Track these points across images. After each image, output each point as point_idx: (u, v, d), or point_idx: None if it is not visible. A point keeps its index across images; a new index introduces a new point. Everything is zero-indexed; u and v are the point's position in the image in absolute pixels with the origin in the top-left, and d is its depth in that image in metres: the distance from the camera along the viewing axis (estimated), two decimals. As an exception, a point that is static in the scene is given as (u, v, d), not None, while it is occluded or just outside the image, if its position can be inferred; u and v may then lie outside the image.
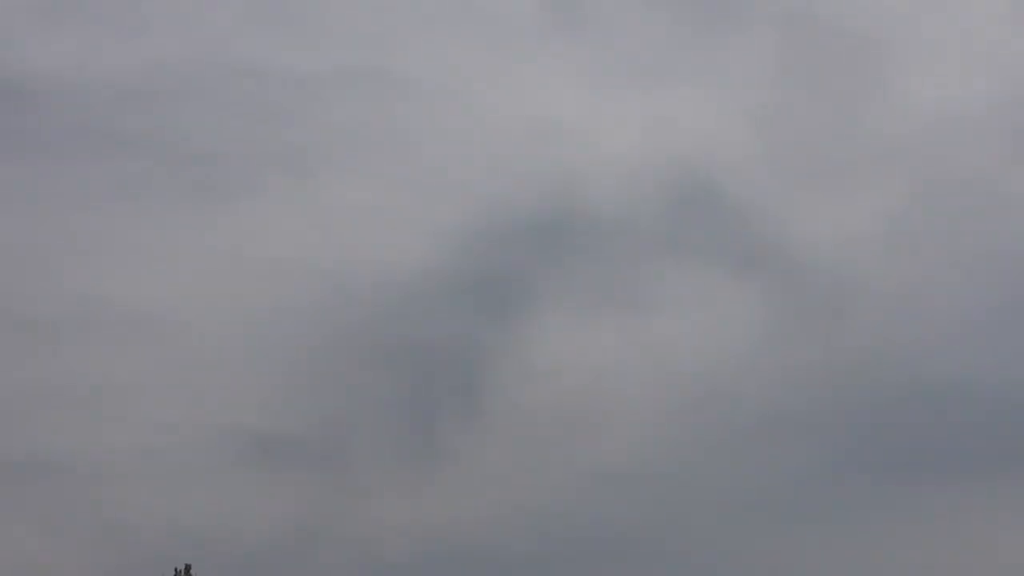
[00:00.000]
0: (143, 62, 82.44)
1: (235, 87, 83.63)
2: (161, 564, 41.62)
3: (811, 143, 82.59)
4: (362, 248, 79.86)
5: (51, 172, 79.61)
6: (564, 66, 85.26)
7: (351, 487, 69.22)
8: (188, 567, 40.14)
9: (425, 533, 65.86)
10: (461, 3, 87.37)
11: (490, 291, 78.81)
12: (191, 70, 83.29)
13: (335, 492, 68.95)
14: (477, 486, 69.20)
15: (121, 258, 77.25)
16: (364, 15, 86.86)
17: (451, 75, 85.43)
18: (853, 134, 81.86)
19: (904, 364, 72.88)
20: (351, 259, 79.08)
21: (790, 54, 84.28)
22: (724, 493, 68.81)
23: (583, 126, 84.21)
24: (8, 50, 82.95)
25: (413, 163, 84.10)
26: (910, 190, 79.76)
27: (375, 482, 69.59)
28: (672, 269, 79.44)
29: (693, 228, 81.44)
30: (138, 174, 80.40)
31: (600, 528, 66.56)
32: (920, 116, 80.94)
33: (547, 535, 66.12)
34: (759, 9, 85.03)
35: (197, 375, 72.47)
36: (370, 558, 64.55)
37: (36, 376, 70.81)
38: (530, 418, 72.82)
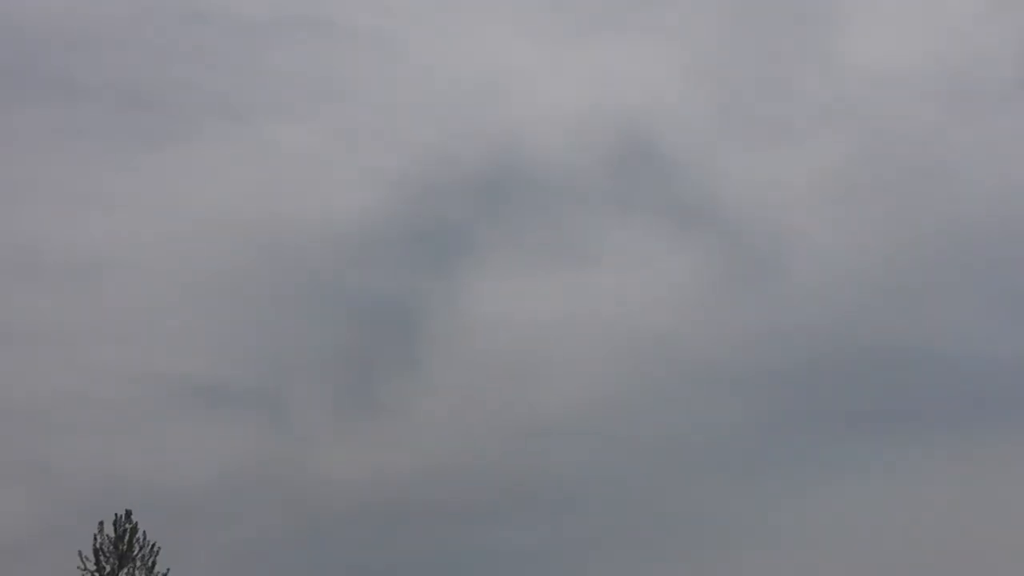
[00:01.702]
0: (82, 5, 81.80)
1: (176, 33, 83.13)
2: (99, 509, 41.67)
3: (752, 100, 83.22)
4: (303, 196, 79.82)
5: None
6: (508, 19, 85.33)
7: (290, 436, 69.27)
8: (128, 513, 40.16)
9: (363, 481, 66.11)
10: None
11: (432, 243, 79.04)
12: (131, 14, 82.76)
13: (274, 440, 69.00)
14: (415, 437, 69.43)
15: (58, 203, 76.74)
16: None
17: (395, 26, 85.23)
18: (793, 92, 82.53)
19: (838, 320, 73.86)
20: (292, 207, 79.01)
21: (733, 12, 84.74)
22: (661, 446, 69.32)
23: (525, 80, 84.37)
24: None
25: (355, 113, 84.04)
26: (847, 148, 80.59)
27: (314, 431, 69.73)
28: (612, 224, 79.87)
29: (634, 184, 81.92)
30: (76, 118, 79.81)
31: (538, 479, 67.05)
32: (858, 76, 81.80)
33: (484, 486, 66.51)
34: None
35: (136, 322, 72.27)
36: (308, 505, 64.72)
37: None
38: (469, 370, 73.19)
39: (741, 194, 79.22)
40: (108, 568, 39.79)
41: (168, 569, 40.56)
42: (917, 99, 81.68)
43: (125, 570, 39.90)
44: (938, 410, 69.23)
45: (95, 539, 39.93)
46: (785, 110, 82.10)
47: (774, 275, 76.92)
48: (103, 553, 39.86)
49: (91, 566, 39.64)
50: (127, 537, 40.20)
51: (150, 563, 40.25)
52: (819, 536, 62.84)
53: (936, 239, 76.44)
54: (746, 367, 71.98)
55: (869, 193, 79.30)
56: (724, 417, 70.80)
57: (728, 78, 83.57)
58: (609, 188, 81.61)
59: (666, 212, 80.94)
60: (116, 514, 40.28)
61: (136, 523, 40.49)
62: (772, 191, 79.02)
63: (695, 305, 75.74)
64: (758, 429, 70.29)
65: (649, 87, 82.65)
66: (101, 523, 40.12)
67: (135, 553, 40.15)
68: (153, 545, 40.43)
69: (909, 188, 78.92)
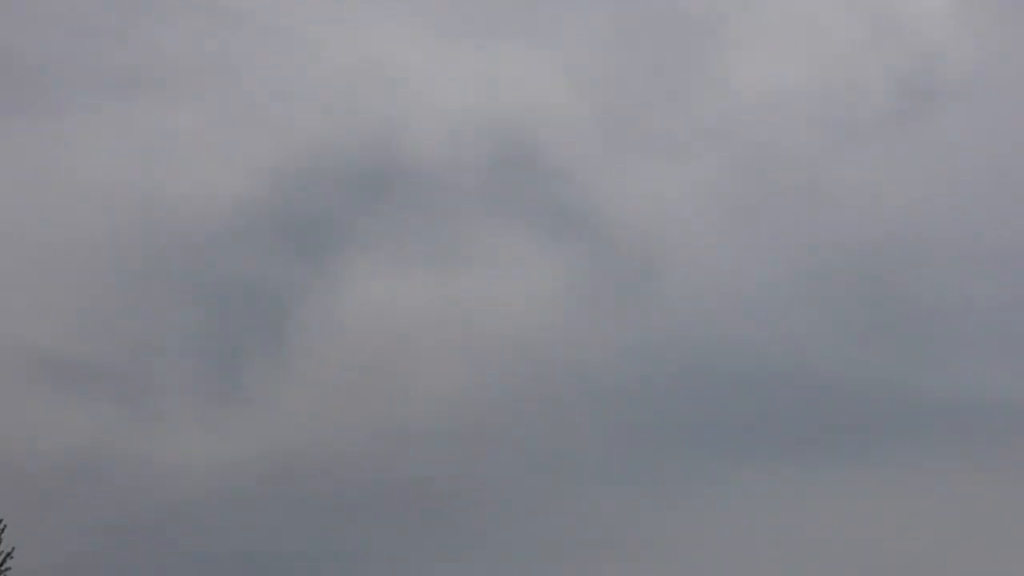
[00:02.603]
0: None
1: (65, 2, 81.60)
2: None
3: (636, 112, 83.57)
4: (179, 177, 78.52)
5: None
6: (398, 12, 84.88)
7: (148, 416, 68.25)
8: (-26, 488, 39.29)
9: (219, 469, 65.19)
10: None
11: (304, 232, 78.28)
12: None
13: (131, 421, 67.85)
14: (275, 427, 68.66)
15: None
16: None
17: (283, 11, 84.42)
18: (677, 107, 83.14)
19: (708, 336, 74.52)
20: (167, 187, 77.67)
21: (625, 25, 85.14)
22: (525, 452, 69.52)
23: (412, 74, 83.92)
24: None
25: (237, 96, 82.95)
26: (728, 165, 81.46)
27: (173, 414, 68.57)
28: (489, 227, 79.70)
29: (513, 188, 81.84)
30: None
31: (396, 481, 66.76)
32: (744, 96, 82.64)
33: (341, 483, 66.14)
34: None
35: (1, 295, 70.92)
36: (163, 489, 63.86)
37: None
38: (334, 363, 72.56)
39: (619, 205, 79.67)
40: (-52, 544, 38.79)
41: (13, 547, 39.61)
42: (798, 122, 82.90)
43: (-32, 546, 38.90)
44: (799, 428, 70.43)
45: (-64, 513, 38.92)
46: (668, 124, 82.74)
47: (647, 287, 77.43)
48: (-56, 528, 38.85)
49: (-69, 541, 38.62)
50: (-29, 512, 39.24)
51: (-6, 540, 39.30)
52: (680, 549, 63.42)
53: (808, 261, 77.69)
54: (614, 377, 72.37)
55: (747, 212, 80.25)
56: (589, 425, 71.29)
57: (614, 89, 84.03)
58: (488, 189, 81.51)
59: (543, 218, 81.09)
60: (-40, 489, 39.41)
61: (-19, 498, 39.57)
62: (650, 204, 79.67)
63: (566, 312, 76.00)
64: (622, 439, 70.80)
65: (535, 92, 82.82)
66: (-56, 496, 39.15)
67: (-21, 529, 39.17)
68: (-1, 521, 39.50)
69: (786, 209, 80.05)
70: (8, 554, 39.96)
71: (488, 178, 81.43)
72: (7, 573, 39.63)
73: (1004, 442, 67.66)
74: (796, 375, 72.71)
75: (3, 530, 39.99)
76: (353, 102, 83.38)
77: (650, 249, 78.55)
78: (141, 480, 63.41)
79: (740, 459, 69.24)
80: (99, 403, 67.77)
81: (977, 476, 65.84)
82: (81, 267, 72.77)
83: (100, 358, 69.86)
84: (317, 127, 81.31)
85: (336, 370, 71.95)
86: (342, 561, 61.21)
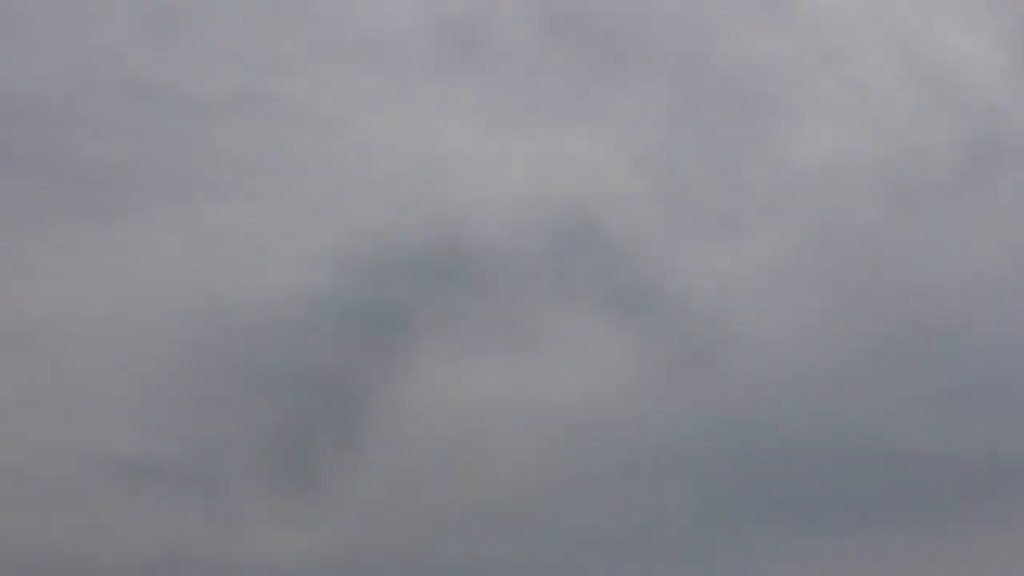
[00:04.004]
0: (29, 75, 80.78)
1: (122, 106, 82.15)
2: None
3: (696, 191, 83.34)
4: (243, 272, 78.89)
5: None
6: (457, 101, 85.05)
7: (223, 516, 68.46)
8: (68, 592, 39.25)
9: (299, 566, 65.45)
10: (356, 32, 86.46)
11: (371, 322, 78.28)
12: (78, 86, 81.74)
13: (207, 520, 68.12)
14: (353, 520, 68.84)
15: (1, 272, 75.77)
16: (257, 38, 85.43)
17: (341, 103, 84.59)
18: (738, 184, 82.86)
19: (779, 412, 74.03)
20: (231, 283, 78.10)
21: (681, 102, 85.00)
22: (599, 535, 69.41)
23: (472, 162, 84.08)
24: None
25: (297, 190, 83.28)
26: (790, 241, 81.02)
27: (248, 512, 68.81)
28: (554, 310, 79.53)
29: (576, 270, 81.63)
30: (18, 190, 78.74)
31: (477, 565, 66.64)
32: (804, 170, 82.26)
33: (424, 571, 66.03)
34: (654, 55, 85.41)
35: (64, 398, 71.14)
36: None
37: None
38: (408, 453, 72.57)
39: (684, 283, 79.29)
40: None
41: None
42: (860, 194, 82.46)
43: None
44: (878, 502, 69.99)
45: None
46: (729, 201, 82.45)
47: (715, 365, 76.94)
48: (42, 634, 38.84)
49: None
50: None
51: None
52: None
53: (878, 334, 77.10)
54: (686, 457, 72.12)
55: (812, 286, 79.77)
56: (663, 507, 71.07)
57: (673, 168, 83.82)
58: (552, 273, 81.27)
59: (608, 299, 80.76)
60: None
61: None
62: (714, 280, 79.22)
63: (635, 393, 75.65)
64: (697, 520, 70.49)
65: (596, 173, 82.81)
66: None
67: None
68: (92, 627, 39.43)
69: (851, 282, 79.47)
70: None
71: (551, 261, 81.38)
72: None
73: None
74: (871, 447, 72.45)
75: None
76: (412, 193, 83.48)
77: (717, 327, 78.17)
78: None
79: (815, 534, 69.14)
80: (176, 503, 68.12)
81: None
82: (153, 371, 73.23)
83: (177, 459, 70.19)
84: (378, 217, 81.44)
85: (410, 459, 72.03)
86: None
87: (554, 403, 75.40)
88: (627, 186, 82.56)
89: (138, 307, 76.05)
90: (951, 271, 78.91)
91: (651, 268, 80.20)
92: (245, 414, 72.81)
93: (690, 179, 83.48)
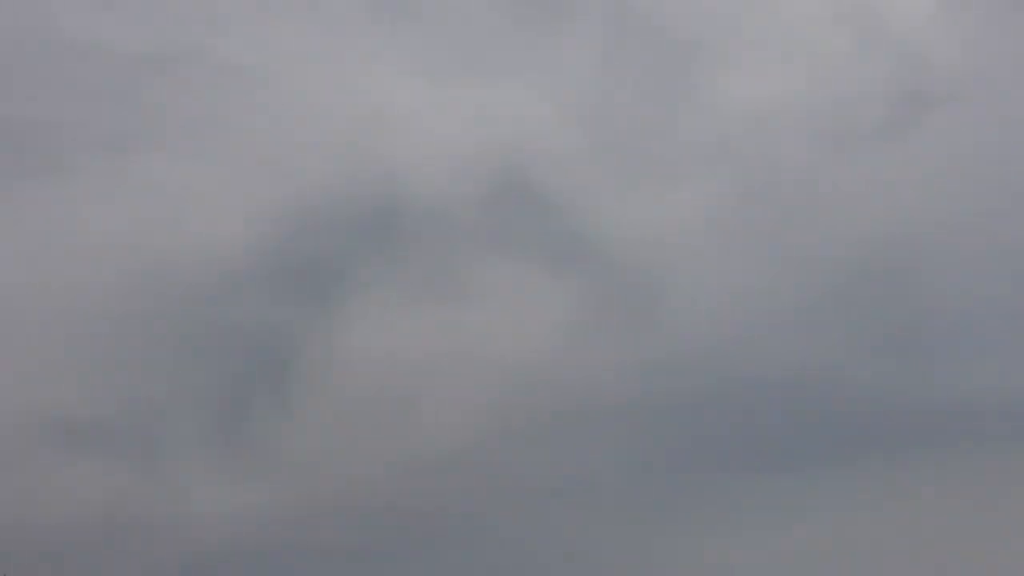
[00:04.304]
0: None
1: (56, 63, 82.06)
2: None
3: (632, 140, 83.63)
4: (179, 228, 78.96)
5: None
6: (391, 53, 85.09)
7: (160, 473, 68.74)
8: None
9: (238, 521, 65.68)
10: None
11: (307, 276, 78.49)
12: (9, 45, 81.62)
13: (143, 478, 68.33)
14: (291, 474, 69.07)
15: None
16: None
17: (275, 59, 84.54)
18: (673, 132, 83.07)
19: (712, 358, 74.49)
20: (167, 239, 78.14)
21: (615, 52, 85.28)
22: (535, 483, 69.90)
23: (408, 114, 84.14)
24: None
25: (233, 146, 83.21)
26: (727, 189, 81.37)
27: (186, 468, 69.10)
28: (490, 262, 79.88)
29: (512, 221, 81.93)
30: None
31: (413, 518, 67.08)
32: (738, 116, 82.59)
33: (361, 525, 66.42)
34: (587, 4, 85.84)
35: (3, 358, 71.37)
36: (180, 546, 64.21)
37: None
38: (345, 406, 72.84)
39: (618, 234, 79.69)
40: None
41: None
42: (793, 139, 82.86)
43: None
44: (809, 442, 70.76)
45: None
46: (662, 150, 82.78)
47: (650, 314, 77.49)
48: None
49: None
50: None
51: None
52: (696, 569, 63.62)
53: (811, 278, 77.52)
54: (619, 405, 72.55)
55: (746, 230, 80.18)
56: (602, 453, 71.57)
57: (606, 118, 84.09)
58: (488, 225, 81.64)
59: (543, 250, 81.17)
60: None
61: (-6, 568, 39.93)
62: (649, 230, 79.60)
63: (571, 343, 76.13)
64: (635, 465, 71.10)
65: (531, 124, 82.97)
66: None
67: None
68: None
69: (786, 228, 79.89)
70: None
71: (487, 213, 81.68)
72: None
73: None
74: (804, 390, 72.93)
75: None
76: (349, 144, 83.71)
77: (652, 276, 78.66)
78: (156, 536, 63.91)
79: (746, 478, 69.79)
80: (107, 463, 68.32)
81: (989, 479, 66.45)
82: (83, 325, 73.29)
83: (108, 415, 70.43)
84: (314, 171, 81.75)
85: (346, 413, 72.35)
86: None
87: (492, 354, 75.76)
88: (561, 137, 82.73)
89: (74, 266, 76.04)
90: (882, 214, 79.40)
91: (585, 219, 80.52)
92: (181, 372, 73.12)
93: (623, 128, 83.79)
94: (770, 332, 75.62)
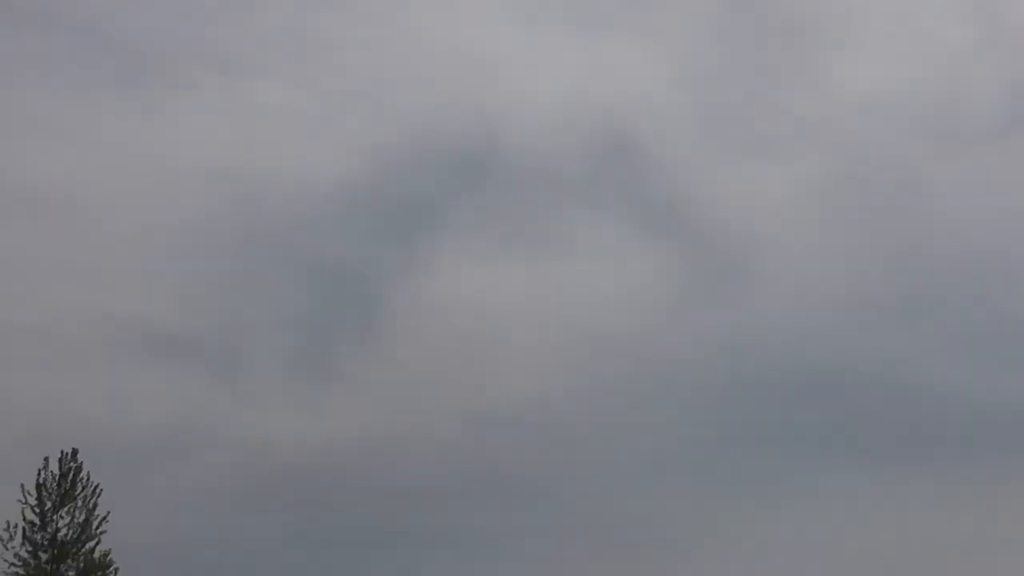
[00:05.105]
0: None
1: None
2: (41, 444, 41.27)
3: (737, 110, 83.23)
4: (281, 155, 79.40)
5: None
6: (502, 3, 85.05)
7: (240, 392, 69.24)
8: (75, 451, 39.78)
9: (308, 446, 65.94)
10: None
11: (401, 214, 78.76)
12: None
13: (224, 395, 68.90)
14: (364, 408, 69.35)
15: (32, 134, 76.15)
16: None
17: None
18: (778, 107, 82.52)
19: (798, 337, 74.04)
20: (269, 165, 78.60)
21: (729, 21, 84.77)
22: (613, 444, 69.52)
23: (515, 64, 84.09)
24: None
25: (340, 77, 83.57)
26: (826, 167, 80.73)
27: (264, 391, 69.59)
28: (585, 218, 79.80)
29: (611, 180, 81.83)
30: (57, 53, 79.16)
31: (485, 465, 67.10)
32: (845, 98, 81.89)
33: (432, 464, 66.56)
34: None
35: (96, 261, 71.88)
36: (250, 465, 64.56)
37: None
38: (425, 348, 73.00)
39: (716, 201, 79.31)
40: (49, 504, 39.42)
41: (108, 512, 40.26)
42: (901, 127, 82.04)
43: (66, 508, 39.52)
44: (886, 432, 69.80)
45: (39, 475, 39.46)
46: (769, 124, 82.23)
47: (741, 285, 77.11)
48: (45, 489, 39.47)
49: (32, 501, 39.26)
50: (71, 476, 39.81)
51: (91, 504, 39.88)
52: (760, 550, 63.14)
53: (904, 268, 76.83)
54: (704, 374, 72.11)
55: (844, 215, 79.57)
56: (676, 422, 71.02)
57: (716, 86, 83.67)
58: (586, 181, 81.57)
59: (640, 211, 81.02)
60: (62, 451, 39.90)
61: (81, 463, 40.13)
62: (747, 202, 79.20)
63: (659, 307, 75.81)
64: (709, 437, 70.44)
65: (636, 86, 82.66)
66: (47, 459, 39.64)
67: (77, 492, 39.79)
68: (96, 486, 40.07)
69: (884, 214, 79.18)
70: (104, 518, 40.75)
71: (587, 169, 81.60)
72: (103, 536, 40.45)
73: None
74: (885, 379, 72.16)
75: (99, 495, 40.76)
76: (455, 88, 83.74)
77: (745, 247, 78.36)
78: (231, 452, 64.31)
79: (827, 461, 68.81)
80: (195, 375, 68.95)
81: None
82: (181, 242, 73.87)
83: (198, 331, 71.12)
84: (418, 111, 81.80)
85: (427, 355, 72.49)
86: (426, 542, 61.73)
87: (575, 312, 75.63)
88: (667, 99, 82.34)
89: (175, 179, 76.62)
90: (984, 214, 78.45)
91: (683, 185, 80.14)
92: (269, 297, 73.59)
93: (731, 100, 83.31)
94: (858, 322, 74.96)
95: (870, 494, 66.71)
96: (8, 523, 38.82)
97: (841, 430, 70.20)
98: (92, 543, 39.68)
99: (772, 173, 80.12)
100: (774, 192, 79.29)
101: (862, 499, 66.62)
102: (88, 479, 39.97)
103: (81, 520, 39.63)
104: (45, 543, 39.23)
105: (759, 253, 78.02)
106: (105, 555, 39.77)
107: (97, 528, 39.99)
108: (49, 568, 39.05)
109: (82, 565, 39.43)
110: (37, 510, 39.23)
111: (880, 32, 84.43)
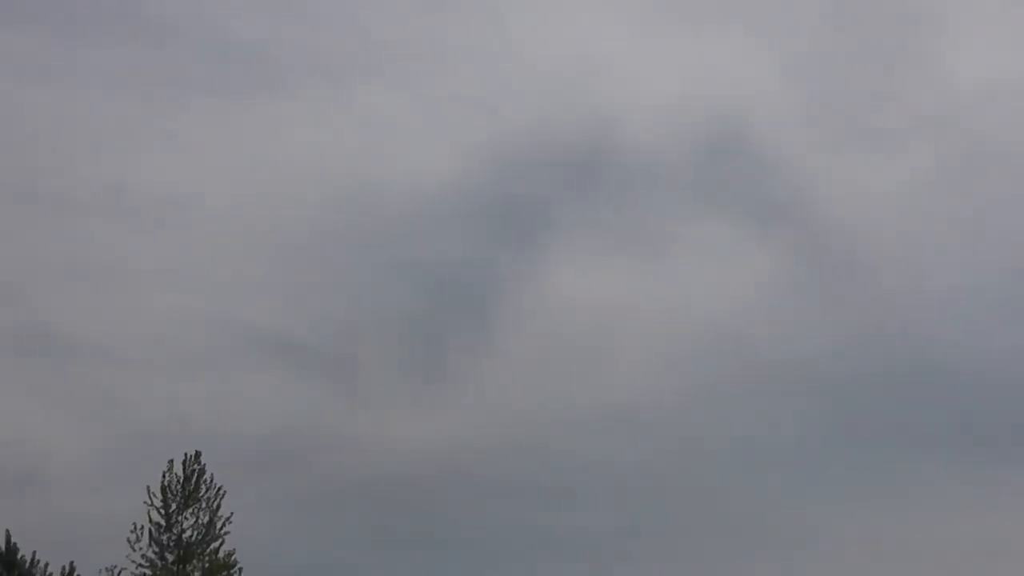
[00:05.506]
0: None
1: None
2: (164, 449, 41.90)
3: (849, 104, 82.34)
4: (389, 159, 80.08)
5: (88, 54, 79.64)
6: (611, 5, 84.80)
7: (358, 397, 69.85)
8: (198, 454, 40.34)
9: (424, 449, 66.35)
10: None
11: (513, 217, 79.01)
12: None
13: (342, 400, 69.64)
14: (481, 410, 69.62)
15: (152, 143, 77.44)
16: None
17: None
18: (892, 99, 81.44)
19: (917, 333, 72.99)
20: (378, 169, 79.30)
21: (838, 12, 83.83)
22: (723, 445, 69.30)
23: (624, 65, 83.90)
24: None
25: (450, 81, 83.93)
26: (944, 159, 79.48)
27: (382, 395, 70.26)
28: (696, 216, 79.43)
29: (721, 177, 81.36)
30: (169, 62, 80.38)
31: (598, 464, 66.98)
32: (958, 90, 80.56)
33: (545, 466, 66.59)
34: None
35: (216, 269, 73.09)
36: (369, 469, 65.11)
37: (55, 252, 71.45)
38: (541, 349, 73.30)
39: (829, 197, 78.61)
40: (174, 506, 40.01)
41: (232, 513, 40.77)
42: (1019, 117, 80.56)
43: (191, 509, 40.10)
44: (1009, 431, 68.21)
45: (164, 477, 40.10)
46: (882, 116, 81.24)
47: (855, 282, 76.38)
48: (170, 491, 40.08)
49: (158, 503, 39.87)
50: (195, 478, 40.37)
51: (215, 505, 40.41)
52: (872, 550, 62.36)
53: (1019, 258, 75.31)
54: (818, 371, 71.26)
55: (961, 207, 78.26)
56: (791, 419, 70.40)
57: (827, 80, 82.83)
58: (697, 180, 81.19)
59: (751, 209, 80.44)
60: (186, 454, 40.50)
61: (204, 465, 40.68)
62: (860, 196, 78.32)
63: (771, 306, 75.28)
64: (823, 436, 69.87)
65: (745, 83, 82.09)
66: (171, 462, 40.27)
67: (201, 494, 40.34)
68: (219, 488, 40.62)
69: (1003, 205, 77.70)
70: (227, 519, 41.29)
71: (697, 167, 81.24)
72: (226, 536, 40.98)
73: None
74: (1005, 374, 70.66)
75: (223, 496, 41.31)
76: (563, 91, 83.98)
77: (860, 243, 77.51)
78: (349, 457, 64.90)
79: (945, 457, 67.79)
80: (312, 381, 69.79)
81: None
82: (298, 249, 74.88)
83: (314, 338, 72.16)
84: (527, 114, 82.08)
85: (542, 356, 72.74)
86: (540, 543, 61.76)
87: (685, 312, 75.23)
88: (777, 95, 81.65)
89: (284, 186, 77.50)
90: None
91: (795, 181, 79.48)
92: (385, 301, 74.14)
93: (843, 93, 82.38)
94: (971, 321, 73.61)
95: (991, 493, 65.83)
96: (135, 525, 39.65)
97: (966, 427, 69.07)
98: (216, 543, 40.32)
99: (886, 166, 79.31)
100: (888, 186, 78.47)
101: (983, 497, 65.79)
102: (212, 481, 40.59)
103: (205, 521, 40.25)
104: (171, 544, 39.86)
105: (873, 248, 77.28)
106: (229, 555, 40.35)
107: (221, 528, 40.57)
108: (176, 569, 39.64)
109: (207, 565, 40.02)
110: (163, 512, 39.94)
111: (994, 19, 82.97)
